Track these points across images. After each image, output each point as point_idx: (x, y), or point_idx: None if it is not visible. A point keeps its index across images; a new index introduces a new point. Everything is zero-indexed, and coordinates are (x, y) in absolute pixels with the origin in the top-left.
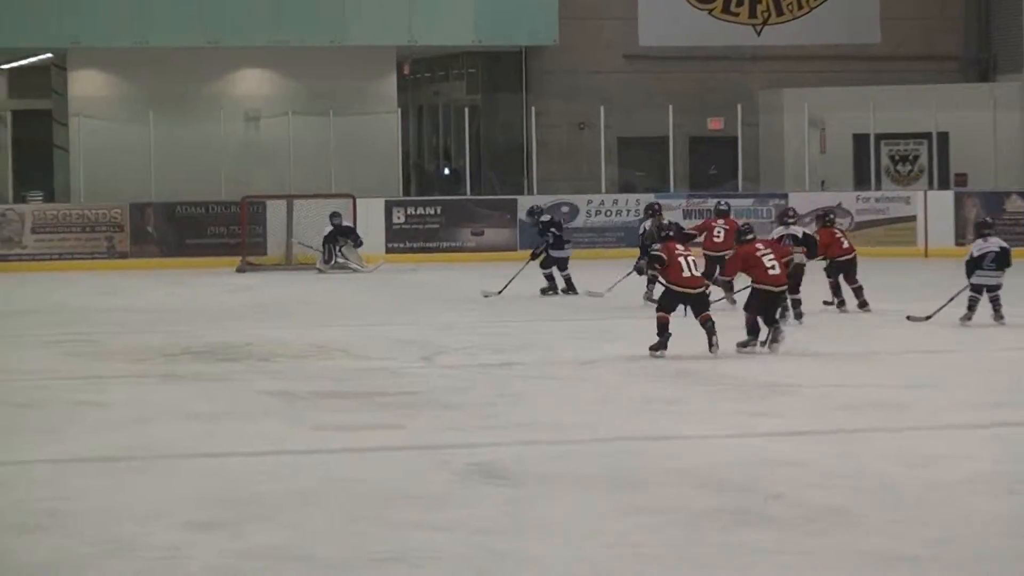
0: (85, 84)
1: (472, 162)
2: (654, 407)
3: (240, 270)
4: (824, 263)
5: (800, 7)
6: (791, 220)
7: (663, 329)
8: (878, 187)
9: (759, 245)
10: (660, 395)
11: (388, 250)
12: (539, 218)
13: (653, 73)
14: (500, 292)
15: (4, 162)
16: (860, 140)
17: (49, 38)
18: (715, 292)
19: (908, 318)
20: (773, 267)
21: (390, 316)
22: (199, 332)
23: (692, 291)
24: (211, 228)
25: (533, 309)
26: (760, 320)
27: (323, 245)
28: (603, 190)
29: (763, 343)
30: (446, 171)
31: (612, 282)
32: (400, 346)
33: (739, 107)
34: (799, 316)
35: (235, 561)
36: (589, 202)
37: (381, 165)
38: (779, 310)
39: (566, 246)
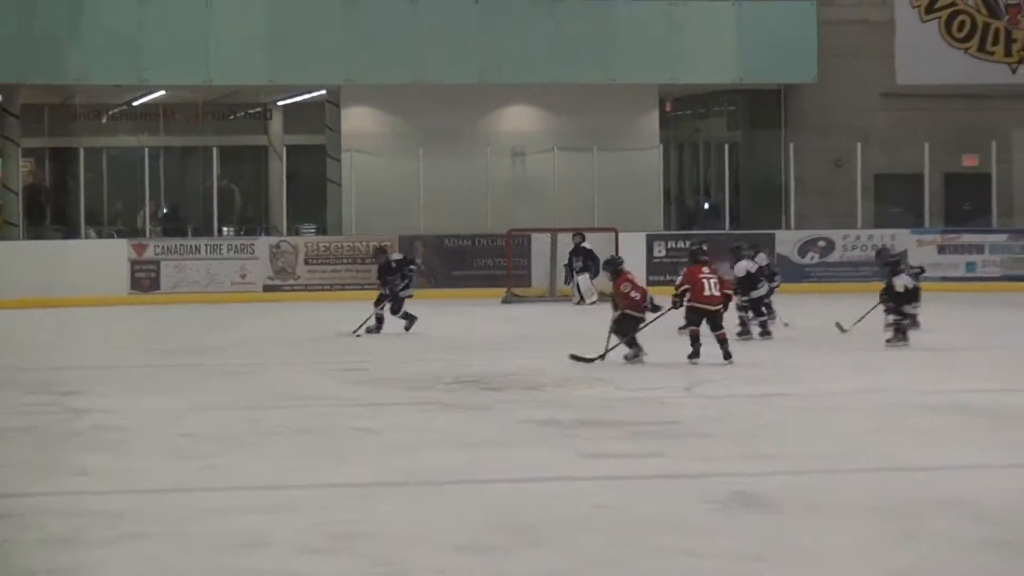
0: (357, 120)
1: (731, 197)
2: (918, 437)
3: (505, 301)
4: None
5: None
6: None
7: (695, 340)
8: None
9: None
10: (923, 424)
11: (649, 283)
12: (389, 257)
13: (909, 111)
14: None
15: (279, 195)
16: None
17: (323, 76)
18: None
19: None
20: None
21: (650, 347)
22: (467, 361)
23: (711, 308)
24: (477, 260)
25: (789, 342)
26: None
27: (564, 265)
28: (859, 225)
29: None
30: (706, 206)
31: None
32: (661, 376)
33: (994, 144)
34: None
35: None
36: (845, 237)
37: (643, 199)
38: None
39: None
